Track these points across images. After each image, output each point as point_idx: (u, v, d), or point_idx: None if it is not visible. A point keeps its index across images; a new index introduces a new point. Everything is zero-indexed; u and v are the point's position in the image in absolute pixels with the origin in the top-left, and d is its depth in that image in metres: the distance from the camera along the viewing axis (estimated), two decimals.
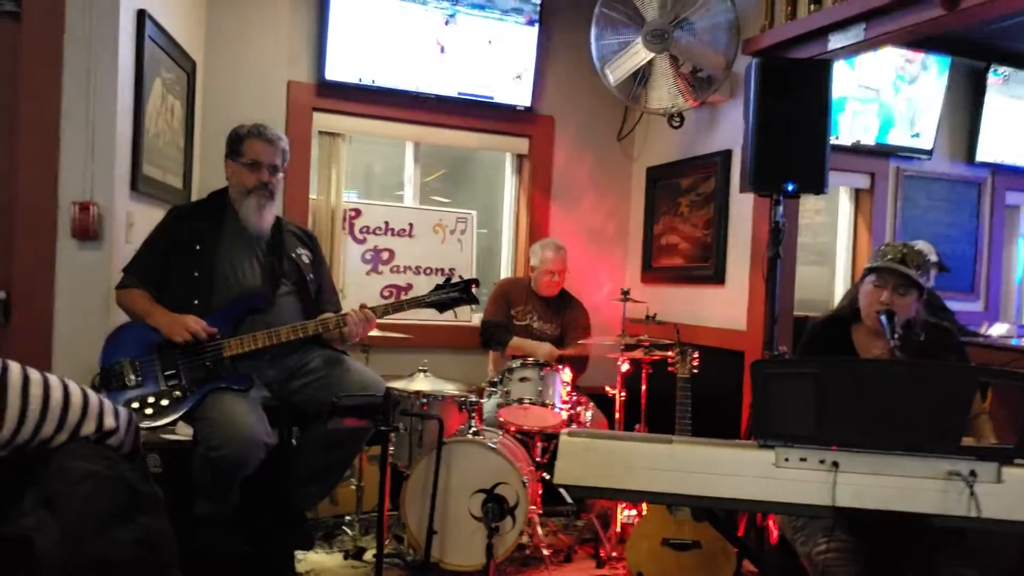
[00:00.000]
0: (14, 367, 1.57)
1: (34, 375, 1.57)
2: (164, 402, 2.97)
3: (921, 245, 5.03)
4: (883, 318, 2.66)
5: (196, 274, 3.16)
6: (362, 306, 3.30)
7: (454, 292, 3.38)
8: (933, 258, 5.14)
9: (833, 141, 3.85)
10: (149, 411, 2.94)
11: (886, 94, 5.86)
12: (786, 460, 2.02)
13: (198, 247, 3.18)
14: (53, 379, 1.60)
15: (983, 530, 1.92)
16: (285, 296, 3.31)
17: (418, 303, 3.36)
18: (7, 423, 1.53)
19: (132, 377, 2.97)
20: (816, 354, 2.89)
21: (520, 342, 4.61)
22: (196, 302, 3.12)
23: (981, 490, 1.94)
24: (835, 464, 1.99)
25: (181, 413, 2.98)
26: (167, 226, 3.27)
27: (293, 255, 3.39)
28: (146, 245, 3.24)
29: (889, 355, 2.64)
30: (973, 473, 1.95)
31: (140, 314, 3.11)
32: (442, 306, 3.39)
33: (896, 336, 2.60)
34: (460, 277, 3.44)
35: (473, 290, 3.44)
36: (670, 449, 2.07)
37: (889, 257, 2.75)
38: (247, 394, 3.05)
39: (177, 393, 3.00)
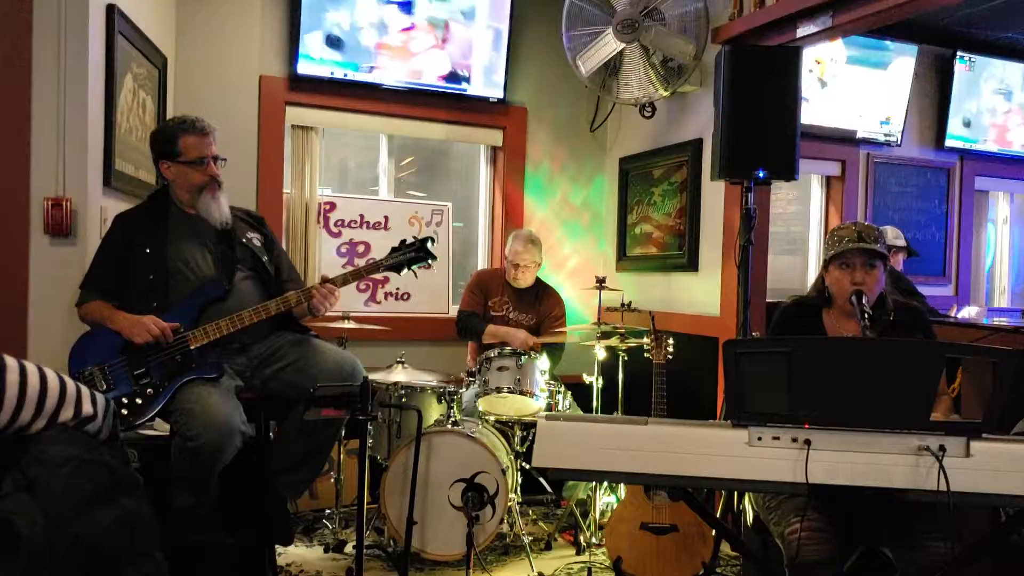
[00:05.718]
0: None
1: (11, 362, 1.58)
2: (139, 401, 3.00)
3: (889, 231, 5.11)
4: (853, 298, 2.71)
5: (151, 277, 3.16)
6: (323, 278, 3.31)
7: (409, 252, 3.37)
8: (901, 243, 5.21)
9: (803, 128, 3.89)
10: (125, 412, 2.95)
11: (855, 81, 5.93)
12: (759, 439, 2.05)
13: (148, 250, 3.17)
14: (31, 367, 1.60)
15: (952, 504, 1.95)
16: (243, 281, 3.30)
17: (376, 267, 3.36)
18: None
19: (103, 382, 2.99)
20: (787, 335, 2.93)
21: (495, 329, 4.63)
22: (155, 304, 3.12)
23: (950, 464, 1.97)
24: (807, 442, 2.02)
25: (157, 409, 3.00)
26: (115, 235, 3.25)
27: (244, 240, 3.39)
28: (98, 257, 3.22)
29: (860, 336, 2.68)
30: (942, 448, 1.99)
31: (101, 322, 3.11)
32: (400, 267, 3.38)
33: (866, 316, 2.65)
34: (415, 238, 3.44)
35: (430, 247, 3.40)
36: (646, 430, 2.10)
37: (847, 240, 2.81)
38: (219, 383, 3.06)
39: (150, 391, 3.01)
